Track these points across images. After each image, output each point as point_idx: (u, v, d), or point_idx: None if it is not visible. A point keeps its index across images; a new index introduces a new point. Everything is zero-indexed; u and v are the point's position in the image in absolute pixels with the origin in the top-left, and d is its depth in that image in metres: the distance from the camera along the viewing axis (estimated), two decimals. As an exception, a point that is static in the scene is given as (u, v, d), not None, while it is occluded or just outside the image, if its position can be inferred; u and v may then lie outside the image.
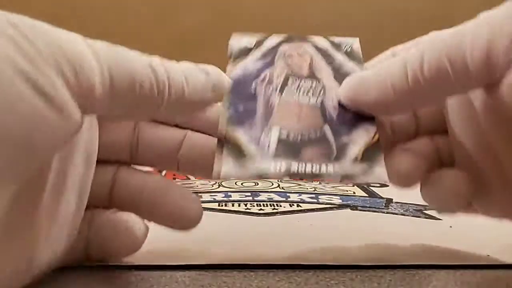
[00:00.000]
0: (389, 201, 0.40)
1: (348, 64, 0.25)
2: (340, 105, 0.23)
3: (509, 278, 0.24)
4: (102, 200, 0.23)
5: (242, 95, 0.23)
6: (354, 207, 0.37)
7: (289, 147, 0.21)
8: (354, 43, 0.26)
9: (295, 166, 0.21)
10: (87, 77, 0.16)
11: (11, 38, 0.15)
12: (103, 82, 0.17)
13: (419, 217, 0.35)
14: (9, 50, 0.15)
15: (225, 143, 0.21)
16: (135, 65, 0.18)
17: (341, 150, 0.21)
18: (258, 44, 0.26)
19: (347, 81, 0.23)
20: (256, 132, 0.22)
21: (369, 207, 0.38)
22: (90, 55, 0.16)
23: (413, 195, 0.43)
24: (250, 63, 0.25)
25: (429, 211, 0.36)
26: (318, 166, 0.21)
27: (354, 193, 0.43)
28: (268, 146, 0.21)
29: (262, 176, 0.20)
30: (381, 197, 0.41)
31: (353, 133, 0.22)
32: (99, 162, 0.22)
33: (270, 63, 0.25)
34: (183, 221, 0.22)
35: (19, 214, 0.17)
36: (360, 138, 0.22)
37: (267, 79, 0.24)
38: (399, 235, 0.30)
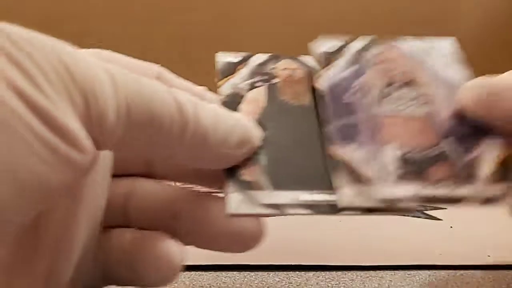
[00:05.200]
0: (389, 201, 0.40)
1: (448, 70, 0.22)
2: (454, 118, 0.20)
3: (509, 278, 0.24)
4: (116, 218, 0.19)
5: (338, 108, 0.20)
6: (354, 208, 0.37)
7: (411, 168, 0.18)
8: (448, 45, 0.23)
9: (425, 190, 0.17)
10: (99, 104, 0.13)
11: (8, 55, 0.12)
12: (118, 112, 0.14)
13: (419, 217, 0.35)
14: (7, 70, 0.12)
15: (332, 165, 0.18)
16: (157, 95, 0.15)
17: (469, 170, 0.18)
18: (340, 50, 0.22)
19: (470, 87, 0.20)
20: (366, 151, 0.18)
21: (369, 207, 0.38)
22: (105, 79, 0.14)
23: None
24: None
25: (429, 211, 0.36)
26: (452, 189, 0.18)
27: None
28: (387, 167, 0.18)
29: (389, 204, 0.17)
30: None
31: (476, 151, 0.19)
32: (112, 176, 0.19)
33: (359, 72, 0.21)
34: (242, 241, 0.18)
35: (23, 252, 0.15)
36: (485, 156, 0.19)
37: (359, 90, 0.20)
38: (399, 235, 0.30)
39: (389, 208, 0.17)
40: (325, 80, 0.21)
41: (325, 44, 0.22)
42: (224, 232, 0.18)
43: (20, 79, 0.12)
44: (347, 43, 0.22)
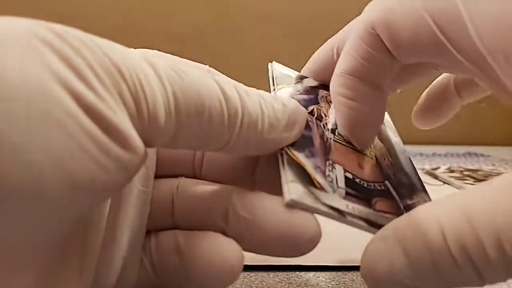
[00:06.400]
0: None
1: (389, 131, 0.24)
2: (394, 167, 0.21)
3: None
4: (164, 220, 0.18)
5: None
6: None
7: (358, 191, 0.18)
8: (386, 115, 0.25)
9: (370, 215, 0.18)
10: (149, 102, 0.13)
11: (57, 51, 0.12)
12: (168, 109, 0.13)
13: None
14: (55, 66, 0.11)
15: (287, 162, 0.17)
16: (203, 88, 0.14)
17: (408, 211, 0.19)
18: (298, 79, 0.23)
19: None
20: (318, 162, 0.18)
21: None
22: (152, 76, 0.13)
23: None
24: (294, 92, 0.22)
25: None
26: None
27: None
28: (336, 183, 0.18)
29: (334, 213, 0.17)
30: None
31: (414, 198, 0.20)
32: (156, 177, 0.18)
33: (315, 101, 0.22)
34: (299, 244, 0.16)
35: (71, 248, 0.15)
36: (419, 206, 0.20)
37: (315, 114, 0.21)
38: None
39: (336, 217, 0.17)
40: (286, 93, 0.22)
41: (283, 68, 0.24)
42: (279, 234, 0.16)
43: (70, 76, 0.12)
44: (302, 77, 0.24)
